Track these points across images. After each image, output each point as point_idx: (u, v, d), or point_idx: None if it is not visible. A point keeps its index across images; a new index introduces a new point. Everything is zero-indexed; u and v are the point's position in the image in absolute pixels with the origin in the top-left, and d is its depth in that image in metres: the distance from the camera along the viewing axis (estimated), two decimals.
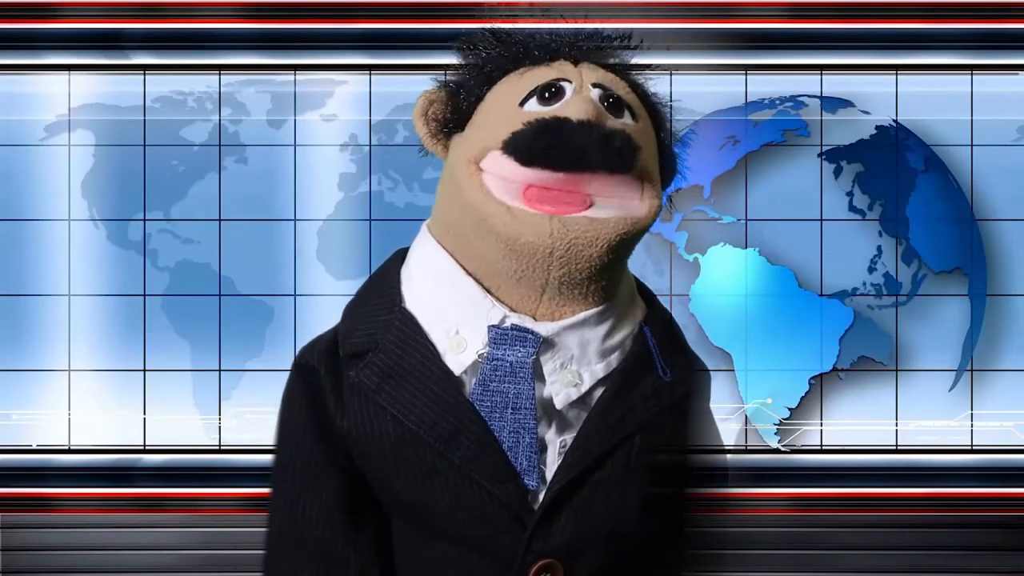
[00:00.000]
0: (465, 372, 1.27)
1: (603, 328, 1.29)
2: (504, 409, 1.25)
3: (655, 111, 1.34)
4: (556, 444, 1.28)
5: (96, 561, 2.59)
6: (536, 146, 1.21)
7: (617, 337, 1.31)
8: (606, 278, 1.27)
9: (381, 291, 1.35)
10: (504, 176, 1.24)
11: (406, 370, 1.28)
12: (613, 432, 1.27)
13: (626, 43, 1.33)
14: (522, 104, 1.26)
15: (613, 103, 1.27)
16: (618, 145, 1.22)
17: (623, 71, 1.33)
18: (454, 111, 1.31)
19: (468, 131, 1.30)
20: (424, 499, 1.28)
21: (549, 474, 1.27)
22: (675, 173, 1.38)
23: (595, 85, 1.27)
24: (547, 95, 1.26)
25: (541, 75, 1.28)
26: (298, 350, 1.38)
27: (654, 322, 1.35)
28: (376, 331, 1.31)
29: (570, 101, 1.24)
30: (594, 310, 1.28)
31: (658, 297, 1.44)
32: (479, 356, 1.27)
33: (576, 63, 1.30)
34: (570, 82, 1.27)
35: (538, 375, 1.27)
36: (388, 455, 1.28)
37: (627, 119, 1.27)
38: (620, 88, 1.29)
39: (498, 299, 1.28)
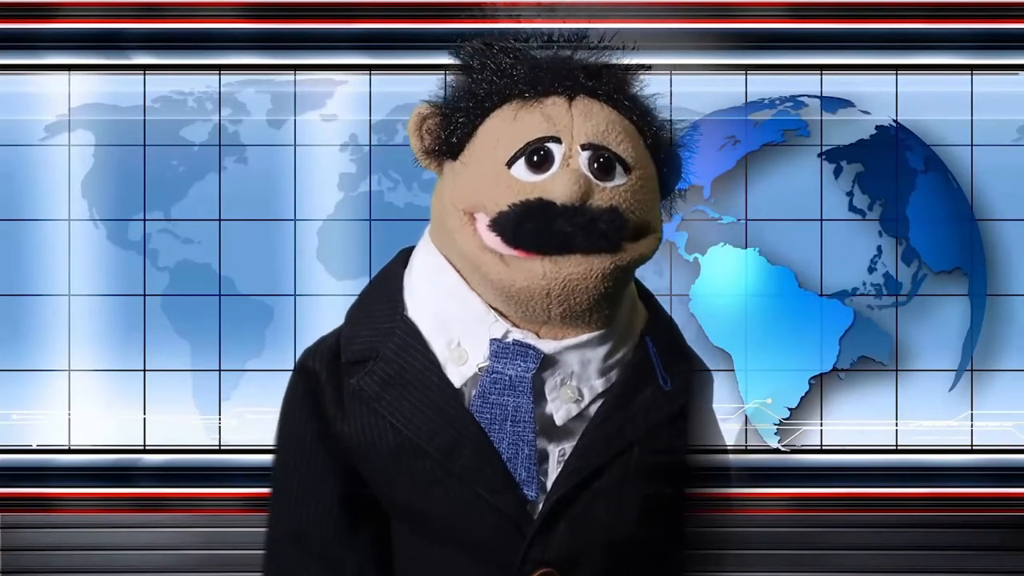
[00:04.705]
0: (465, 384, 1.28)
1: (605, 348, 1.29)
2: (503, 421, 1.25)
3: (655, 121, 1.32)
4: (555, 454, 1.28)
5: (96, 561, 2.59)
6: (520, 232, 1.22)
7: (618, 355, 1.31)
8: (608, 306, 1.27)
9: (383, 297, 1.35)
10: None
11: (406, 379, 1.28)
12: (612, 443, 1.28)
13: (624, 67, 1.32)
14: (510, 163, 1.25)
15: (604, 163, 1.26)
16: (603, 229, 1.22)
17: (620, 93, 1.31)
18: (447, 138, 1.30)
19: (459, 173, 1.29)
20: (423, 506, 1.28)
21: (549, 483, 1.27)
22: (679, 179, 1.38)
23: (585, 147, 1.25)
24: (535, 159, 1.25)
25: (532, 126, 1.26)
26: (300, 352, 1.38)
27: (655, 331, 1.35)
28: (377, 339, 1.31)
29: (557, 176, 1.23)
30: (597, 333, 1.28)
31: (658, 298, 1.44)
32: (479, 369, 1.27)
33: (571, 98, 1.28)
34: (560, 142, 1.25)
35: (538, 390, 1.27)
36: (388, 463, 1.28)
37: (618, 178, 1.26)
38: (612, 136, 1.27)
39: (501, 314, 1.28)
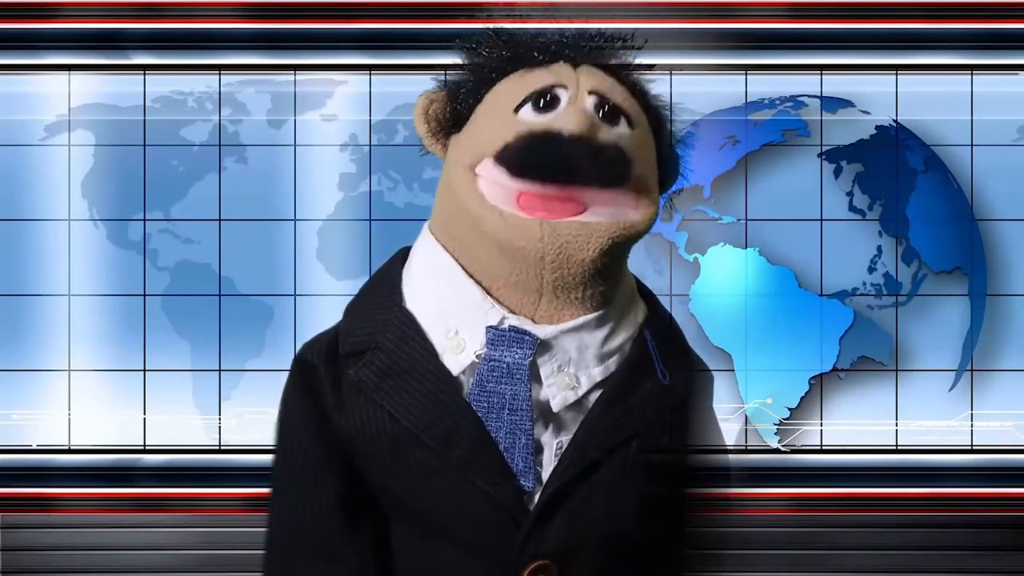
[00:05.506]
0: (463, 372, 1.28)
1: (602, 333, 1.29)
2: (501, 410, 1.26)
3: (656, 114, 1.34)
4: (552, 446, 1.28)
5: (96, 561, 2.59)
6: (527, 160, 1.22)
7: (616, 341, 1.31)
8: (603, 283, 1.27)
9: (382, 290, 1.35)
10: (497, 183, 1.25)
11: (404, 369, 1.28)
12: (609, 435, 1.28)
13: (627, 44, 1.33)
14: (517, 110, 1.26)
15: (609, 112, 1.26)
16: (609, 159, 1.22)
17: (623, 73, 1.32)
18: (453, 112, 1.32)
19: (465, 134, 1.31)
20: (421, 498, 1.28)
21: (545, 475, 1.27)
22: (677, 175, 1.38)
23: (591, 92, 1.27)
24: (542, 103, 1.26)
25: (538, 79, 1.27)
26: (299, 347, 1.38)
27: (654, 325, 1.35)
28: (376, 330, 1.31)
29: (564, 112, 1.24)
30: (593, 315, 1.28)
31: (658, 297, 1.44)
32: (477, 357, 1.27)
33: (575, 66, 1.30)
34: (566, 88, 1.27)
35: (535, 377, 1.27)
36: (386, 454, 1.28)
37: (622, 128, 1.27)
38: (617, 94, 1.29)
39: (498, 301, 1.28)
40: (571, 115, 1.23)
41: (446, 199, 1.31)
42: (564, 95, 1.26)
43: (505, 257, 1.25)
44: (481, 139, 1.27)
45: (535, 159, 1.22)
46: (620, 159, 1.23)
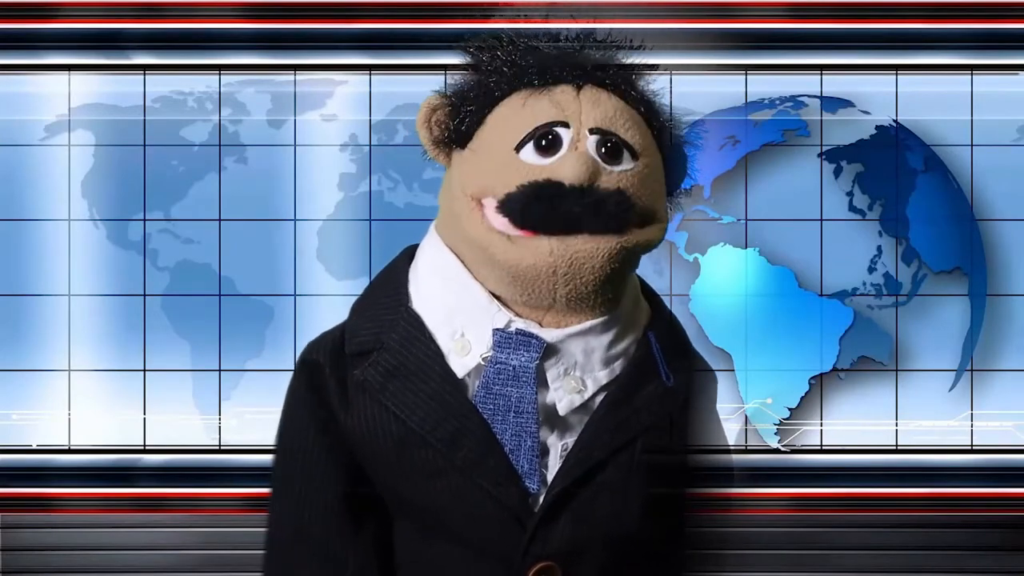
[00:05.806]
0: (469, 374, 1.28)
1: (608, 336, 1.29)
2: (507, 412, 1.26)
3: (662, 117, 1.33)
4: (558, 447, 1.28)
5: (96, 561, 2.59)
6: (528, 213, 1.23)
7: (621, 345, 1.31)
8: (612, 290, 1.27)
9: (388, 290, 1.35)
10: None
11: (410, 370, 1.28)
12: (614, 436, 1.28)
13: (632, 65, 1.32)
14: (519, 148, 1.26)
15: (611, 148, 1.26)
16: (611, 210, 1.23)
17: (627, 87, 1.32)
18: (456, 127, 1.31)
19: (468, 159, 1.30)
20: (426, 499, 1.28)
21: (551, 477, 1.27)
22: (684, 176, 1.38)
23: (593, 131, 1.26)
24: (543, 143, 1.26)
25: (540, 111, 1.27)
26: (304, 346, 1.38)
27: (659, 326, 1.36)
28: (382, 330, 1.31)
29: (565, 158, 1.24)
30: (599, 319, 1.29)
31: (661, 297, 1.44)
32: (483, 359, 1.27)
33: (579, 87, 1.29)
34: (568, 126, 1.26)
35: (541, 380, 1.27)
36: (391, 454, 1.29)
37: (626, 163, 1.27)
38: (621, 123, 1.28)
39: (504, 304, 1.28)
40: (572, 163, 1.23)
41: (450, 218, 1.31)
42: (565, 136, 1.26)
43: (516, 280, 1.25)
44: (484, 175, 1.27)
45: (536, 212, 1.22)
46: (621, 208, 1.23)
